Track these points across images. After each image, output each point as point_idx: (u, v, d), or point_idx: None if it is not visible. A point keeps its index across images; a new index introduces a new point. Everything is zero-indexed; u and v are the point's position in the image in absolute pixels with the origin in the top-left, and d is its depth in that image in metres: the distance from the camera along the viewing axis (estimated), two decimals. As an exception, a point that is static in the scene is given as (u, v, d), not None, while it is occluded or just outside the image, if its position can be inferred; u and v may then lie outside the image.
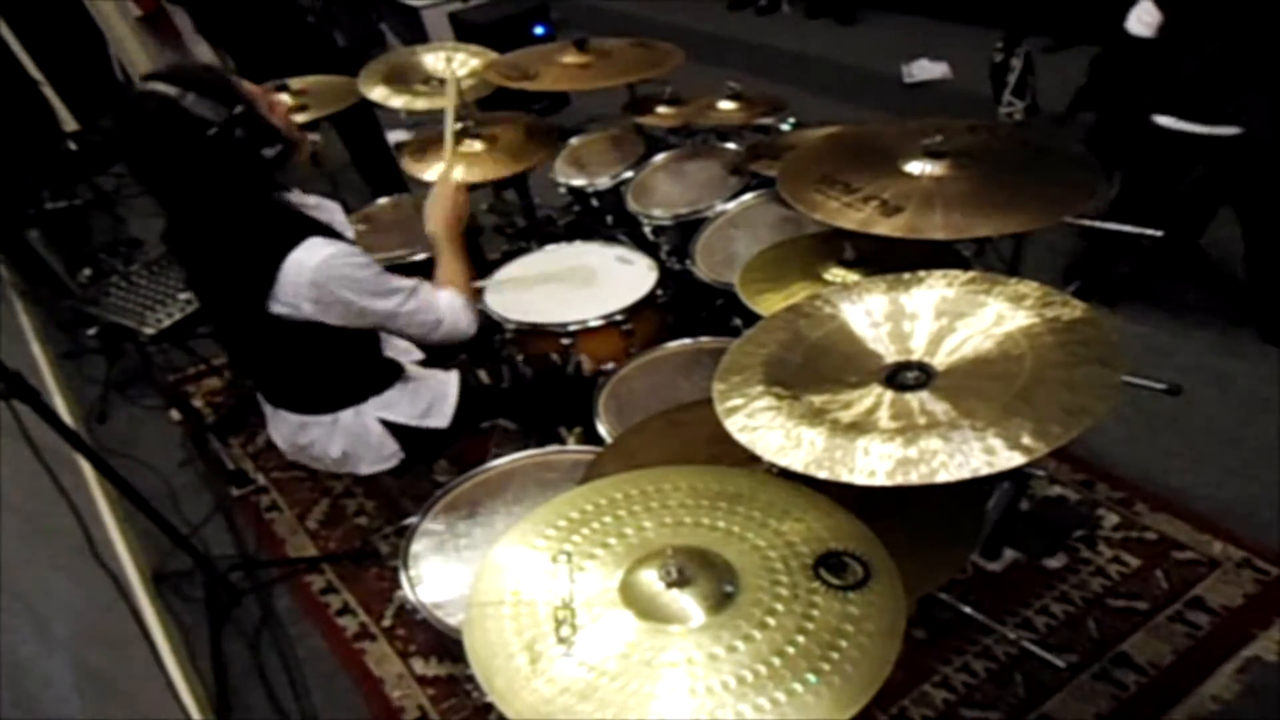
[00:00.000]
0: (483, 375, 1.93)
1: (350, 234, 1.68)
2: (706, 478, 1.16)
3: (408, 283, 1.64)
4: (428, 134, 2.44)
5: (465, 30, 4.53)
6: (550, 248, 2.27)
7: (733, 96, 2.41)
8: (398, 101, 2.56)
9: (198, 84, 1.43)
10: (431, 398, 1.85)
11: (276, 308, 1.53)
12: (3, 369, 1.63)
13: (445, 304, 1.70)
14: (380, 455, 1.82)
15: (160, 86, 1.42)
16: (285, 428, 1.82)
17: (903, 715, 1.73)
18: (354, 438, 1.78)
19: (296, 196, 1.62)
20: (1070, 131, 3.34)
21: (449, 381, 1.89)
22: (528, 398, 2.04)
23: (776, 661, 0.89)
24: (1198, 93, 2.13)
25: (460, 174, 2.21)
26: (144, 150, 1.49)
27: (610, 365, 1.92)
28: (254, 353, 1.79)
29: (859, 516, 1.06)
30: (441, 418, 1.85)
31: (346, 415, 1.76)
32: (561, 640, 0.95)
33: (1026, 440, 0.95)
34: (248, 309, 1.55)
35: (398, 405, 1.80)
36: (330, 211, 1.68)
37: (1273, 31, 2.00)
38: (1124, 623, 1.83)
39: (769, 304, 1.61)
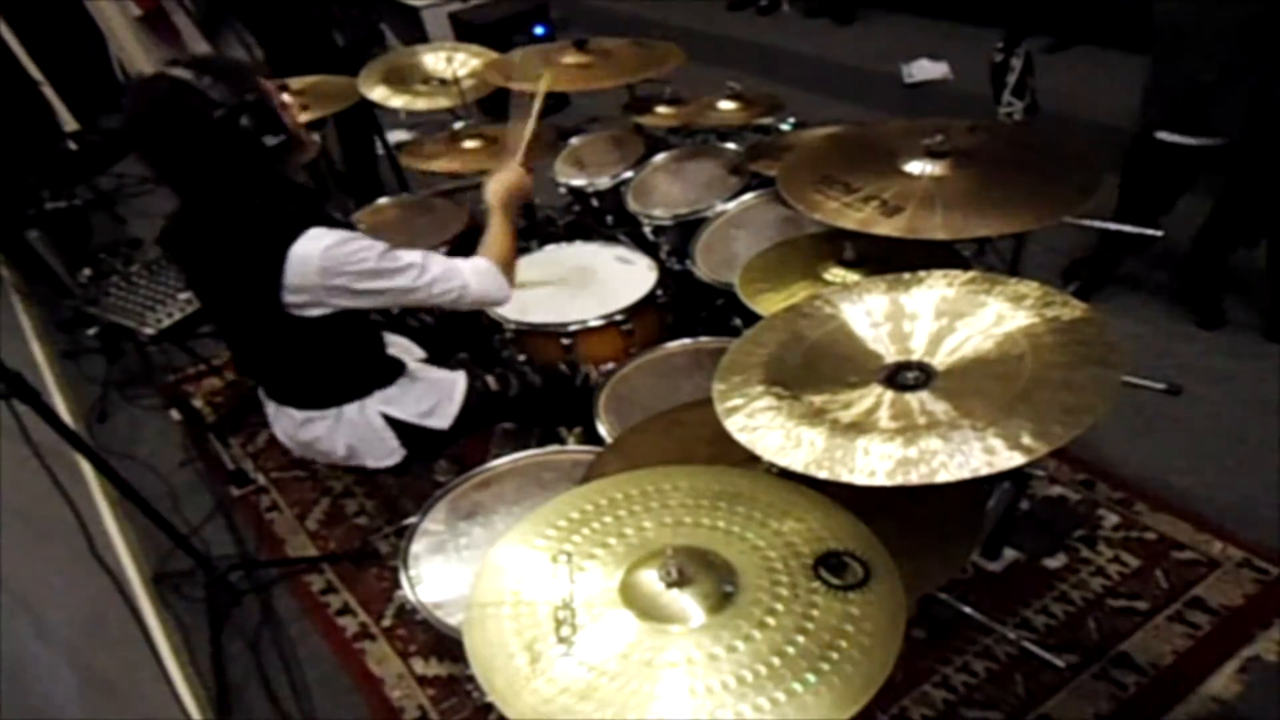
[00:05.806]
0: (491, 381, 1.91)
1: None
2: (706, 478, 1.16)
3: (415, 256, 1.63)
4: (429, 135, 2.44)
5: (465, 30, 4.53)
6: (550, 248, 2.27)
7: (733, 96, 2.41)
8: (398, 101, 2.56)
9: (213, 69, 1.48)
10: (436, 399, 1.85)
11: (289, 297, 1.54)
12: (3, 369, 1.63)
13: (470, 270, 1.69)
14: (385, 450, 1.82)
15: (176, 71, 1.46)
16: (289, 424, 1.82)
17: (903, 715, 1.73)
18: (358, 433, 1.78)
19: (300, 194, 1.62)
20: (1070, 132, 3.34)
21: (456, 384, 1.88)
22: (532, 403, 2.04)
23: (776, 661, 0.89)
24: (1188, 110, 2.28)
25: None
26: (152, 131, 1.50)
27: (610, 365, 1.92)
28: (257, 348, 1.78)
29: (859, 516, 1.06)
30: (443, 419, 1.85)
31: (350, 410, 1.76)
32: (561, 640, 0.95)
33: (1026, 440, 0.95)
34: (256, 304, 1.56)
35: (401, 401, 1.80)
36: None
37: (1247, 54, 2.14)
38: (1124, 623, 1.82)
39: (769, 304, 1.61)
